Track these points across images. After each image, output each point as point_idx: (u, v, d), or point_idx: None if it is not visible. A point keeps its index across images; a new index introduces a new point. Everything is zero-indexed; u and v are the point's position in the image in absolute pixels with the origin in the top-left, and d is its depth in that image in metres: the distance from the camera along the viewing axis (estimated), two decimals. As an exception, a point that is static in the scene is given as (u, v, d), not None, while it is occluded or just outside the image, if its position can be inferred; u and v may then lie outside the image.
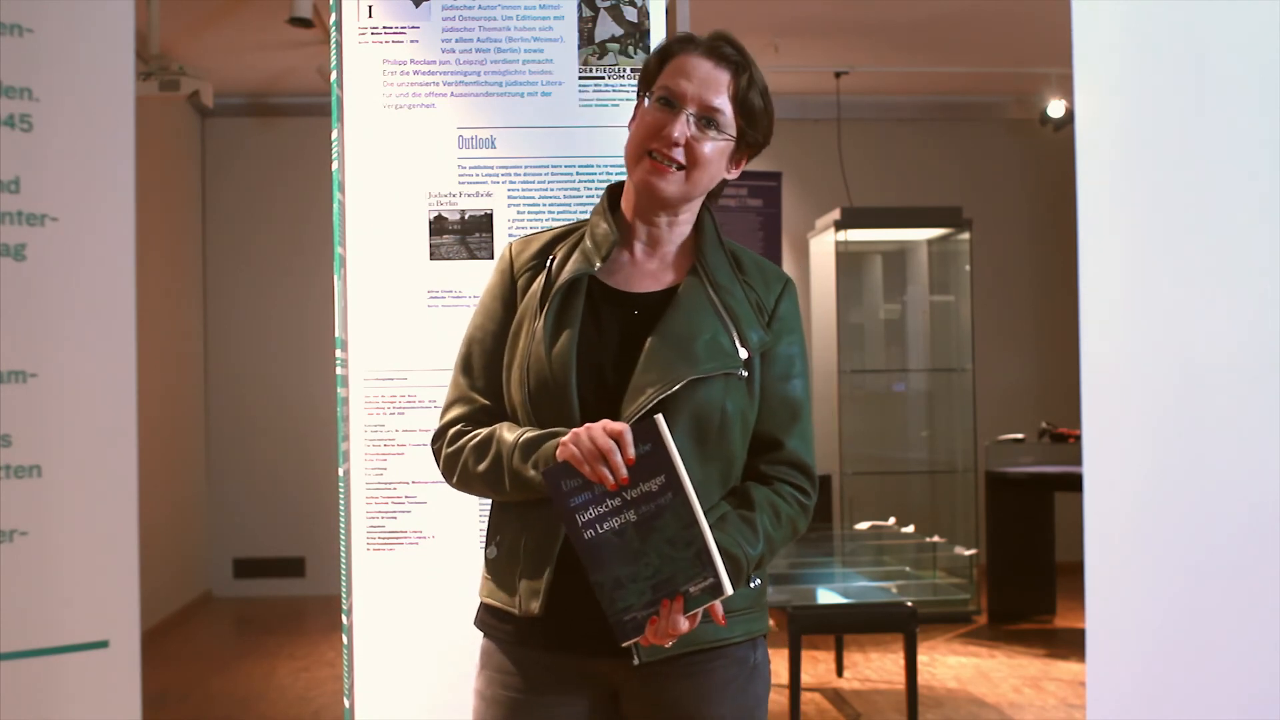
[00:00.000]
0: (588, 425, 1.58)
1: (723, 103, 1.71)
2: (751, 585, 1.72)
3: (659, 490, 1.55)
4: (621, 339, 1.71)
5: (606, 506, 1.56)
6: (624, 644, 1.59)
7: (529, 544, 1.70)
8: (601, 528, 1.57)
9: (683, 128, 1.68)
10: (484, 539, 2.51)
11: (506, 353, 1.76)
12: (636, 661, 1.65)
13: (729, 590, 1.54)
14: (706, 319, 1.70)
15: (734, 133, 1.73)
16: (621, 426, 1.56)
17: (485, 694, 1.75)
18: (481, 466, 1.70)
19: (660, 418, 1.56)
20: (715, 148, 1.71)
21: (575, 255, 1.75)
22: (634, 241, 1.78)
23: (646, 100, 1.73)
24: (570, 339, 1.68)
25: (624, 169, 1.79)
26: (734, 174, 1.78)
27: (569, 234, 1.81)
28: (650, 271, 1.77)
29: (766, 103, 1.75)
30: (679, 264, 1.78)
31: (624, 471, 1.54)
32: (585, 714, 1.72)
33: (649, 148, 1.70)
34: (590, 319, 1.72)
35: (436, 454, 1.78)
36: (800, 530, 1.76)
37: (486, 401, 1.76)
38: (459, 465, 1.74)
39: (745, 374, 1.70)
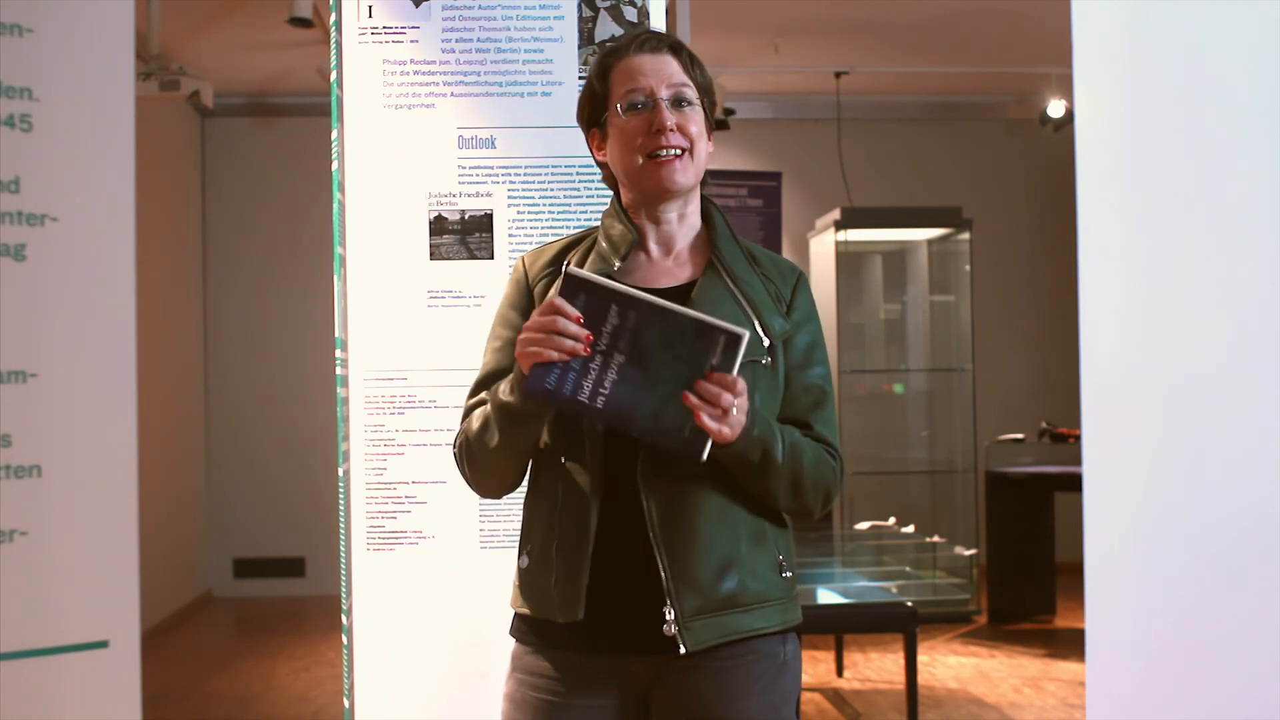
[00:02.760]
0: (525, 324, 1.60)
1: (683, 79, 1.75)
2: (784, 575, 1.74)
3: (620, 319, 1.55)
4: None
5: (594, 368, 1.56)
6: (703, 458, 1.57)
7: (561, 548, 1.70)
8: (606, 386, 1.56)
9: (669, 115, 1.71)
10: (482, 541, 2.53)
11: None
12: (683, 650, 1.65)
13: (744, 333, 1.53)
14: (728, 309, 1.72)
15: (700, 104, 1.76)
16: (549, 302, 1.57)
17: (515, 697, 1.76)
18: (476, 428, 1.72)
19: (569, 265, 1.55)
20: (698, 121, 1.75)
21: (591, 257, 1.77)
22: (647, 243, 1.80)
23: (613, 115, 1.75)
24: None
25: None
26: (711, 146, 1.81)
27: (580, 241, 1.84)
28: (667, 269, 1.79)
29: (705, 68, 1.82)
30: (695, 260, 1.80)
31: (582, 330, 1.55)
32: (614, 714, 1.72)
33: (644, 151, 1.72)
34: None
35: (455, 456, 1.79)
36: (832, 481, 1.75)
37: None
38: (466, 447, 1.75)
39: (769, 361, 1.72)
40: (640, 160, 1.73)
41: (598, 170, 1.88)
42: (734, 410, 1.57)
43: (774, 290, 1.78)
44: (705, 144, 1.77)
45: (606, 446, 1.67)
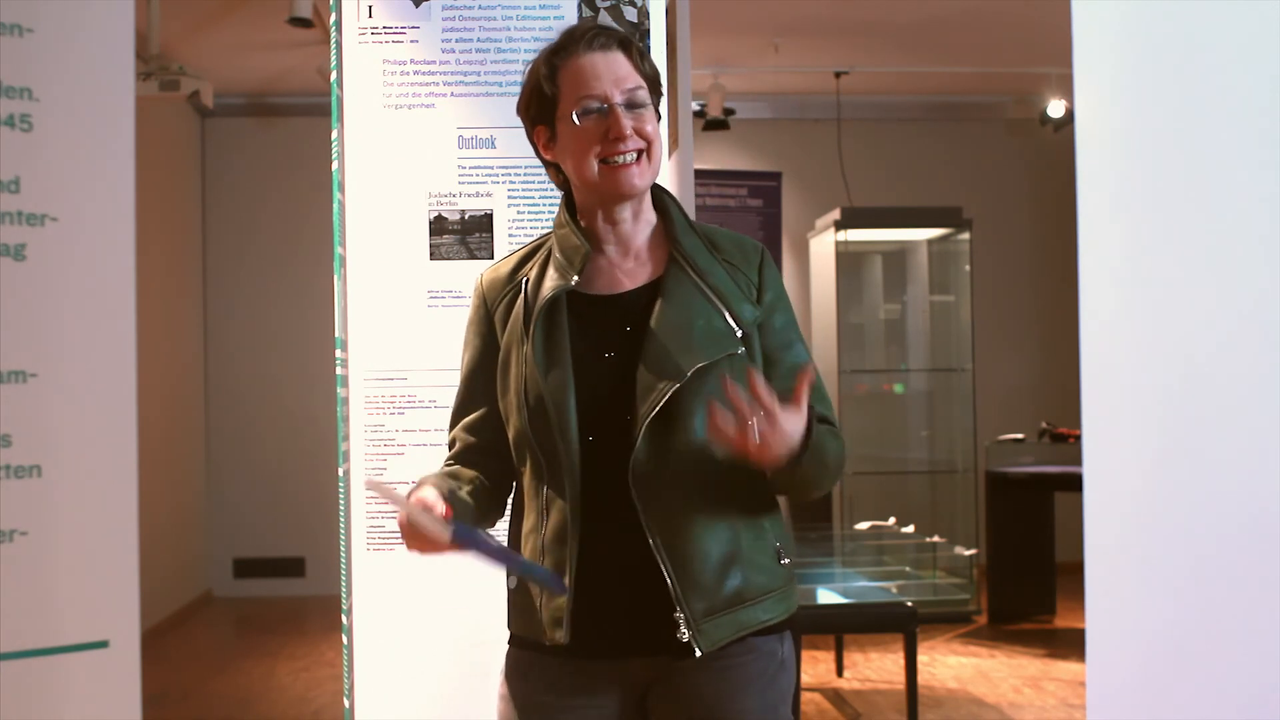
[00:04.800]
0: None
1: (635, 79, 1.71)
2: (782, 563, 1.73)
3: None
4: (615, 343, 1.70)
5: None
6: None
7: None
8: None
9: (625, 121, 1.68)
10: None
11: (499, 383, 1.75)
12: (698, 654, 1.65)
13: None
14: (697, 305, 1.70)
15: (653, 100, 1.73)
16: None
17: (514, 699, 1.75)
18: None
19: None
20: (653, 120, 1.72)
21: (549, 272, 1.73)
22: (604, 246, 1.76)
23: (565, 120, 1.71)
24: (563, 357, 1.68)
25: None
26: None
27: (535, 251, 1.80)
28: (628, 271, 1.76)
29: (651, 56, 1.79)
30: (655, 257, 1.77)
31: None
32: (614, 714, 1.72)
33: (601, 157, 1.68)
34: (579, 332, 1.70)
35: None
36: (841, 459, 1.72)
37: (474, 439, 1.78)
38: None
39: (743, 351, 1.70)
40: (595, 165, 1.69)
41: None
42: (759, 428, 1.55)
43: (741, 277, 1.75)
44: (660, 141, 1.73)
45: (585, 466, 1.66)
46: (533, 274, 1.75)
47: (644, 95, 1.71)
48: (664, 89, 1.80)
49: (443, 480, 1.69)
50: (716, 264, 1.75)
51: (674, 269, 1.73)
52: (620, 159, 1.68)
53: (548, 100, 1.73)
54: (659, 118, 1.75)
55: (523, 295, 1.74)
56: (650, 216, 1.78)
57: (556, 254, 1.74)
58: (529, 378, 1.68)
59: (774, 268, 1.80)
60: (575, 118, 1.69)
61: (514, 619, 1.77)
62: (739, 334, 1.70)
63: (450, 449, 1.81)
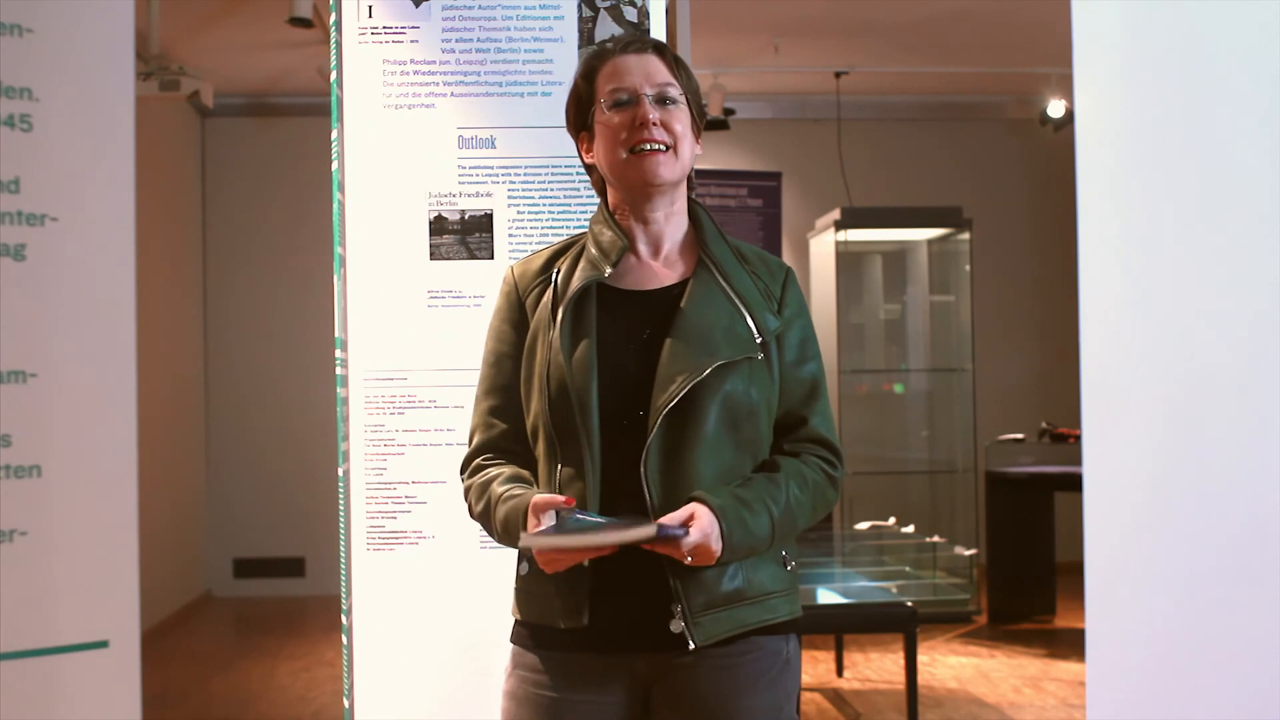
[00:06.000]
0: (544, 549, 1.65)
1: (667, 78, 1.77)
2: (787, 568, 1.77)
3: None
4: (640, 337, 1.73)
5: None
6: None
7: None
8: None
9: (652, 110, 1.73)
10: (482, 540, 2.52)
11: (524, 369, 1.78)
12: (692, 646, 1.66)
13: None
14: (722, 307, 1.74)
15: (691, 110, 1.78)
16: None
17: (517, 694, 1.77)
18: (479, 509, 1.77)
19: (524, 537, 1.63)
20: (682, 120, 1.76)
21: (582, 264, 1.77)
22: (636, 245, 1.80)
23: (598, 113, 1.77)
24: (589, 344, 1.71)
25: None
26: (699, 149, 1.83)
27: (568, 248, 1.85)
28: (657, 270, 1.80)
29: (692, 72, 1.84)
30: (685, 259, 1.81)
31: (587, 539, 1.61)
32: (619, 709, 1.73)
33: (628, 146, 1.74)
34: (606, 322, 1.74)
35: (465, 489, 1.83)
36: (830, 500, 1.79)
37: (505, 425, 1.80)
38: (470, 502, 1.80)
39: (762, 357, 1.73)
40: (624, 155, 1.74)
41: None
42: (691, 539, 1.60)
43: (764, 287, 1.79)
44: (690, 143, 1.78)
45: (604, 451, 1.68)
46: (565, 266, 1.80)
47: (675, 93, 1.76)
48: (705, 105, 1.84)
49: (532, 489, 1.73)
50: (744, 272, 1.79)
51: (702, 271, 1.77)
52: (647, 147, 1.72)
53: (584, 100, 1.80)
54: (697, 127, 1.80)
55: (553, 286, 1.78)
56: (682, 221, 1.83)
57: (591, 249, 1.79)
58: (553, 363, 1.71)
59: (798, 288, 1.84)
60: (605, 108, 1.75)
61: (524, 605, 1.77)
62: (759, 340, 1.73)
63: (478, 434, 1.83)
